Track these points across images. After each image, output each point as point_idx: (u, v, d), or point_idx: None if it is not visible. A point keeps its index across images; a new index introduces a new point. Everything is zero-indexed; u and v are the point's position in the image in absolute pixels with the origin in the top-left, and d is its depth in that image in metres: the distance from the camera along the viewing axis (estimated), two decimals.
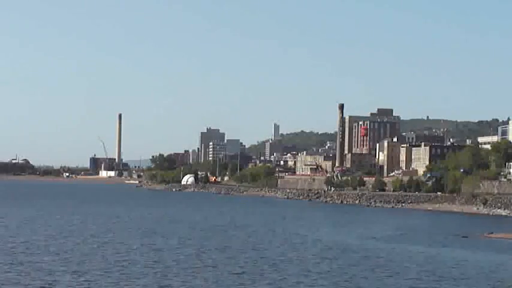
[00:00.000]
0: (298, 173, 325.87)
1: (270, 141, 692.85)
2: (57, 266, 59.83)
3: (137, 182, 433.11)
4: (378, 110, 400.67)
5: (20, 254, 67.26)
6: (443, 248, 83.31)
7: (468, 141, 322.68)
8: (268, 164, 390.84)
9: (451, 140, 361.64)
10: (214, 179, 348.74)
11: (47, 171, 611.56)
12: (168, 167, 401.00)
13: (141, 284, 52.48)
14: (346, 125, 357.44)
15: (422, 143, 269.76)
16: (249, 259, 67.52)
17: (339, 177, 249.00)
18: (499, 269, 65.36)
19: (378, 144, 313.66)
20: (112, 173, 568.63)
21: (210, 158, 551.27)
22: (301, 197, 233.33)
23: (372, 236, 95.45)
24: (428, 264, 67.05)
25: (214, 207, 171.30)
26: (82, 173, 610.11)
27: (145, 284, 52.68)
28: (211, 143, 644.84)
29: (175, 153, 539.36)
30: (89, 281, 52.82)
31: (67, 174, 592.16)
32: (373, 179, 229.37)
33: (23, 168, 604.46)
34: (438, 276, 59.98)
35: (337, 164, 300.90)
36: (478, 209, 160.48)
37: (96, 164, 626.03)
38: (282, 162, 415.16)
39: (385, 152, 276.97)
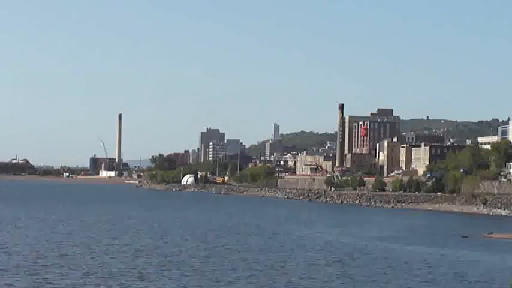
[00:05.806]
0: (298, 173, 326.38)
1: (270, 141, 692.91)
2: (74, 269, 60.59)
3: (137, 182, 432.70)
4: (378, 110, 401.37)
5: (33, 256, 67.94)
6: (444, 248, 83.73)
7: (468, 141, 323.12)
8: (268, 164, 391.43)
9: (451, 140, 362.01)
10: (222, 180, 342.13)
11: (47, 171, 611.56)
12: (168, 167, 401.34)
13: (157, 285, 53.32)
14: (346, 125, 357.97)
15: (422, 143, 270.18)
16: (261, 261, 67.93)
17: (339, 177, 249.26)
18: (500, 269, 65.88)
19: (377, 144, 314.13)
20: (112, 173, 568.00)
21: (210, 158, 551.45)
22: (301, 197, 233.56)
23: (376, 237, 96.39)
24: (434, 265, 67.92)
25: (217, 208, 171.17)
26: (82, 173, 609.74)
27: (161, 285, 53.49)
28: (211, 143, 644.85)
29: (175, 153, 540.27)
30: (100, 284, 53.46)
31: (67, 174, 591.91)
32: (373, 179, 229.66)
33: (23, 168, 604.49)
34: (443, 277, 60.69)
35: (337, 164, 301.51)
36: (478, 209, 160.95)
37: (96, 164, 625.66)
38: (282, 162, 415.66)
39: (385, 152, 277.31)
